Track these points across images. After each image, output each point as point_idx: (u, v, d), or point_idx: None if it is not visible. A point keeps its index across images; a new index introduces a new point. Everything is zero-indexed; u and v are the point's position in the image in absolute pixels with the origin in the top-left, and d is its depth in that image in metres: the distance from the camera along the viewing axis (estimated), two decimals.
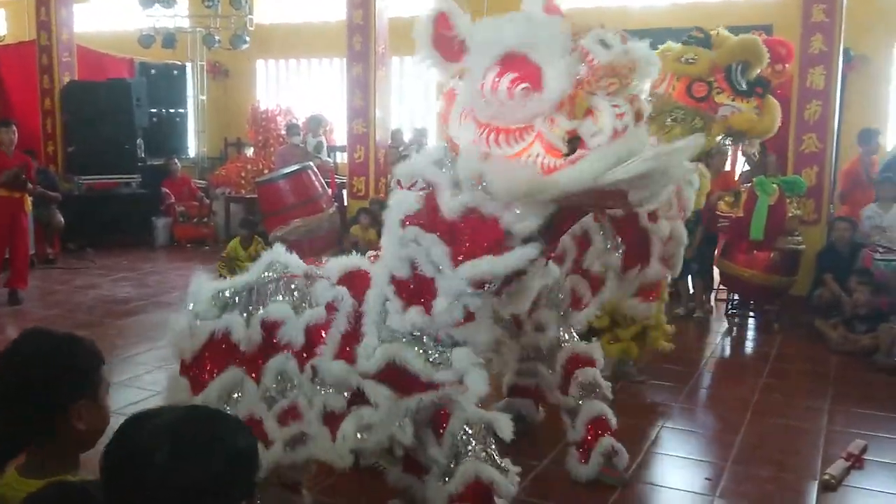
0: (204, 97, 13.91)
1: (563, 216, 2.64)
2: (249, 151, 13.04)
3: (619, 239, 4.31)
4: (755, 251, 7.01)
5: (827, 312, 6.89)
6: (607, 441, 4.00)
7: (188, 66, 13.66)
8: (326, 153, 11.22)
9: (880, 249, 6.94)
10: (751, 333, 7.32)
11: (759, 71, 5.06)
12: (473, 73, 2.49)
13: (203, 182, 12.68)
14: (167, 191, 11.70)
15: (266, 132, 12.37)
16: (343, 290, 2.85)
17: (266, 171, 10.76)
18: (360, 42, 9.48)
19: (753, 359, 6.52)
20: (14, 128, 7.95)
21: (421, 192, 2.75)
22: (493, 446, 2.84)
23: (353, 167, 9.86)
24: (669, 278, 5.08)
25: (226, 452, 1.33)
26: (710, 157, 5.43)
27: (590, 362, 4.06)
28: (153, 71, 13.04)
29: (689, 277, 7.52)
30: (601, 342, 4.99)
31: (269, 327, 2.89)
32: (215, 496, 1.32)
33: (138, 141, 11.80)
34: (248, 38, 12.33)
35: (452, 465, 2.78)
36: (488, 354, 2.97)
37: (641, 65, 2.41)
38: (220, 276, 8.29)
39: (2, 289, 7.94)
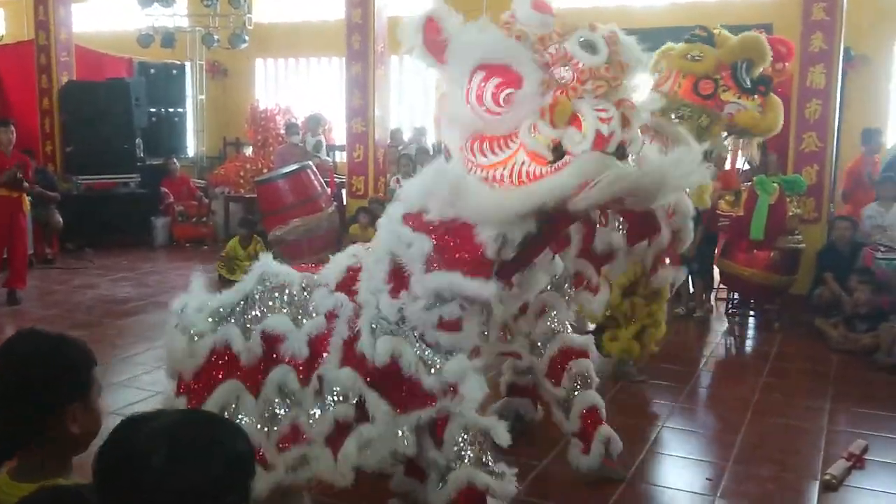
0: (203, 96, 13.89)
1: (557, 220, 2.63)
2: (248, 151, 13.03)
3: (621, 217, 4.27)
4: (755, 250, 6.99)
5: (827, 311, 6.87)
6: (605, 430, 4.00)
7: (187, 65, 13.64)
8: (325, 152, 11.21)
9: (882, 248, 6.93)
10: (751, 333, 7.31)
11: (762, 69, 5.06)
12: (455, 80, 2.48)
13: (202, 181, 12.66)
14: (166, 190, 11.68)
15: (265, 131, 12.35)
16: (342, 296, 2.82)
17: (265, 171, 10.75)
18: (359, 41, 9.46)
19: (754, 358, 6.51)
20: (12, 127, 7.93)
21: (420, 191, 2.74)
22: (489, 452, 2.82)
23: (352, 166, 9.84)
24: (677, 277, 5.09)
25: (224, 456, 1.32)
26: (710, 156, 5.42)
27: (583, 354, 4.02)
28: (152, 70, 13.02)
29: (690, 277, 7.50)
30: (602, 341, 4.98)
31: (269, 340, 2.85)
32: (212, 500, 1.30)
33: (137, 140, 11.77)
34: (247, 38, 12.31)
35: (449, 470, 2.77)
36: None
37: (632, 66, 2.40)
38: (220, 275, 8.34)
39: (0, 289, 7.91)
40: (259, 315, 2.89)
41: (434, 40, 2.52)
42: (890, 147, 8.94)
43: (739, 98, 4.89)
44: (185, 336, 2.90)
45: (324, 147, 11.16)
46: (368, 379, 2.72)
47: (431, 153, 9.76)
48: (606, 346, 5.45)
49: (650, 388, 5.54)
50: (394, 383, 2.72)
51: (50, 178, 9.96)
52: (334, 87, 12.96)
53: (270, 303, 2.90)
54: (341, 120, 10.45)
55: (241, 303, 2.92)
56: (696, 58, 4.97)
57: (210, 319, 2.91)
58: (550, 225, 2.64)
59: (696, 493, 4.06)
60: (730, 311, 7.51)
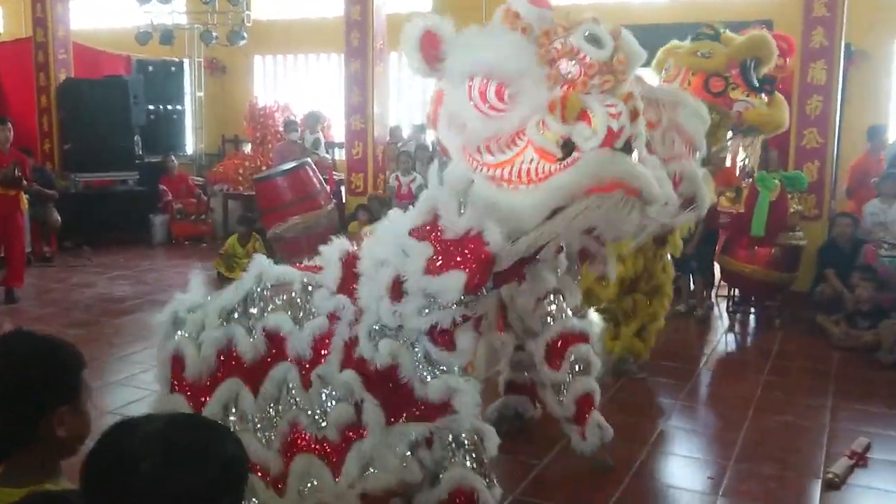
0: (201, 94, 13.85)
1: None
2: (247, 148, 13.00)
3: None
4: (756, 247, 6.96)
5: (829, 308, 6.84)
6: (597, 416, 4.02)
7: (185, 62, 13.61)
8: (324, 149, 11.18)
9: (885, 245, 6.90)
10: (752, 330, 7.29)
11: (768, 68, 5.06)
12: (455, 79, 2.45)
13: (201, 179, 12.64)
14: (164, 188, 11.65)
15: (264, 129, 12.33)
16: (345, 299, 2.80)
17: (264, 168, 10.73)
18: (358, 38, 9.43)
19: (755, 356, 6.48)
20: (9, 125, 7.90)
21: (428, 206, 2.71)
22: (482, 453, 2.79)
23: (351, 163, 9.81)
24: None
25: (216, 459, 1.29)
26: (711, 155, 5.40)
27: (583, 338, 4.02)
28: (150, 68, 12.97)
29: (690, 274, 7.47)
30: (604, 340, 4.96)
31: (271, 338, 2.83)
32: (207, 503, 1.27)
33: (135, 138, 11.73)
34: (245, 35, 12.26)
35: (441, 470, 2.74)
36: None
37: (634, 59, 2.37)
38: (218, 273, 8.32)
39: None
40: (260, 314, 2.86)
41: (432, 49, 2.51)
42: (891, 143, 8.92)
43: (748, 96, 4.89)
44: (192, 342, 2.87)
45: (322, 144, 11.13)
46: (367, 382, 2.70)
47: (431, 150, 9.74)
48: (608, 345, 5.44)
49: (651, 385, 5.51)
50: (390, 389, 2.70)
51: (48, 176, 9.92)
52: (333, 84, 12.90)
53: (272, 302, 2.87)
54: (340, 117, 10.42)
55: (244, 302, 2.90)
56: (707, 55, 4.95)
57: (218, 319, 2.88)
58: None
59: (697, 491, 4.04)
60: (731, 309, 7.48)
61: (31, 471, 1.68)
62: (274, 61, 14.17)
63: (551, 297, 3.94)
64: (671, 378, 5.64)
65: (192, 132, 13.97)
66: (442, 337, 2.66)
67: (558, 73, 2.33)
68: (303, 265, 3.09)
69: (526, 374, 4.39)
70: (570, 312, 4.08)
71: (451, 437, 2.71)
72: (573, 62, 2.32)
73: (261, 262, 3.00)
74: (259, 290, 2.90)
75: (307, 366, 2.77)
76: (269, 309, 2.85)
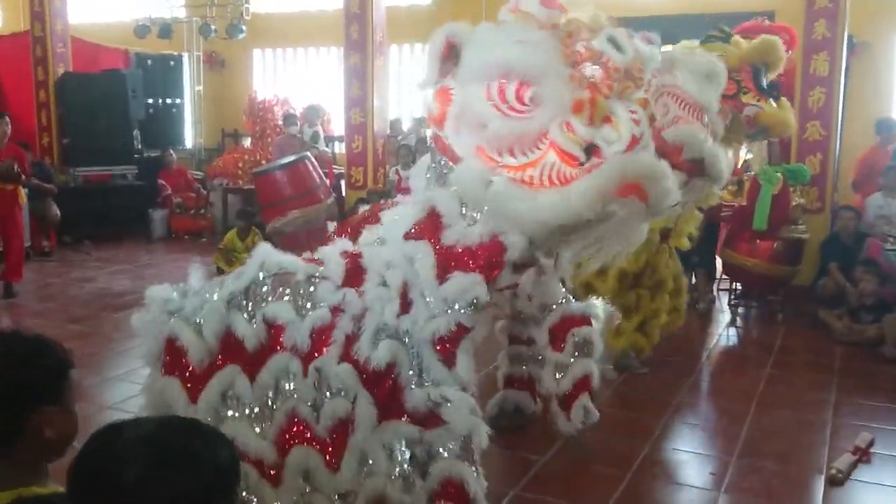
0: (200, 88, 13.80)
1: None
2: (247, 142, 12.96)
3: None
4: (758, 240, 6.92)
5: (831, 303, 6.81)
6: (585, 399, 4.01)
7: (184, 56, 13.56)
8: (324, 143, 11.14)
9: (891, 239, 6.85)
10: (754, 324, 7.25)
11: (777, 73, 5.06)
12: (474, 79, 2.42)
13: (200, 173, 12.60)
14: (163, 182, 11.62)
15: (263, 122, 12.28)
16: (351, 292, 2.78)
17: (263, 162, 10.68)
18: (358, 31, 9.38)
19: (757, 350, 6.43)
20: (7, 120, 7.85)
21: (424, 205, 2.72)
22: (472, 448, 2.77)
23: (350, 157, 9.77)
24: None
25: (210, 464, 1.26)
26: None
27: (586, 321, 4.01)
28: (149, 62, 12.94)
29: (692, 268, 7.43)
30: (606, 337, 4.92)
31: (271, 327, 2.82)
32: None
33: (135, 132, 11.70)
34: (244, 28, 12.22)
35: (430, 461, 2.73)
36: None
37: (650, 65, 2.36)
38: (218, 267, 8.28)
39: None
40: (262, 301, 2.86)
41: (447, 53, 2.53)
42: None
43: (758, 100, 4.87)
44: (189, 326, 2.84)
45: (322, 138, 11.08)
46: (364, 378, 2.68)
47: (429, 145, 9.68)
48: (611, 342, 5.41)
49: (652, 380, 5.47)
50: (385, 389, 2.68)
51: (46, 171, 9.90)
52: (333, 78, 12.85)
53: (273, 291, 2.86)
54: (340, 110, 10.37)
55: (247, 289, 2.87)
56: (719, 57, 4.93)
57: (224, 306, 2.87)
58: None
59: (700, 487, 4.00)
60: (732, 303, 7.44)
61: (18, 473, 1.64)
62: (273, 55, 14.11)
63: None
64: (673, 372, 5.61)
65: (192, 126, 13.93)
66: (443, 346, 2.65)
67: (582, 76, 2.30)
68: (305, 258, 3.08)
69: (525, 367, 4.36)
70: (570, 297, 4.07)
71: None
72: (596, 66, 2.29)
73: (264, 250, 2.98)
74: (261, 277, 2.89)
75: (306, 357, 2.76)
76: (270, 297, 2.84)
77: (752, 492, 3.93)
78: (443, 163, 2.71)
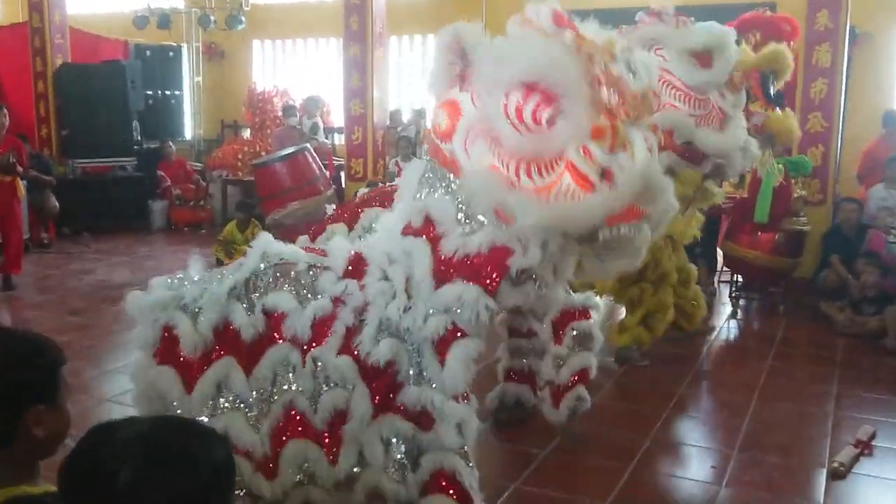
0: (200, 79, 13.74)
1: None
2: (246, 133, 12.92)
3: None
4: (759, 232, 6.89)
5: (832, 295, 6.79)
6: (581, 390, 4.03)
7: (183, 47, 13.49)
8: (323, 134, 11.10)
9: (893, 231, 6.83)
10: (755, 316, 7.23)
11: (783, 81, 5.08)
12: (491, 93, 2.39)
13: (199, 165, 12.57)
14: (163, 174, 11.58)
15: (263, 114, 12.24)
16: (352, 283, 2.77)
17: (263, 154, 10.64)
18: (357, 21, 9.34)
19: (758, 342, 6.42)
20: (6, 111, 7.81)
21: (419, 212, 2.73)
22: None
23: (350, 149, 9.74)
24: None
25: (205, 464, 1.24)
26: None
27: (585, 314, 4.03)
28: (148, 53, 12.87)
29: (693, 260, 7.41)
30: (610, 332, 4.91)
31: (270, 318, 2.80)
32: None
33: (134, 124, 11.66)
34: (243, 19, 12.16)
35: (421, 454, 2.73)
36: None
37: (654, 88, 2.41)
38: (218, 259, 8.26)
39: None
40: (262, 291, 2.84)
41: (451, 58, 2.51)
42: None
43: (766, 109, 4.88)
44: (186, 315, 2.82)
45: (321, 129, 11.04)
46: (363, 371, 2.67)
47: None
48: (615, 337, 5.41)
49: (653, 372, 5.46)
50: (383, 383, 2.67)
51: (45, 163, 9.86)
52: (332, 69, 12.80)
53: (275, 280, 2.85)
54: (339, 102, 10.33)
55: (248, 280, 2.86)
56: None
57: (225, 296, 2.84)
58: None
59: (701, 481, 3.99)
60: (733, 295, 7.41)
61: (8, 472, 1.62)
62: (273, 46, 14.04)
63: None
64: (674, 365, 5.59)
65: (191, 118, 13.88)
66: (441, 346, 2.64)
67: (601, 101, 2.28)
68: (306, 248, 3.07)
69: (525, 360, 4.34)
70: (570, 290, 4.06)
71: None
72: (613, 90, 2.28)
73: (265, 241, 2.97)
74: (263, 268, 2.87)
75: (306, 348, 2.74)
76: (271, 287, 2.82)
77: (754, 485, 3.91)
78: (440, 175, 2.68)
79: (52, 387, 1.65)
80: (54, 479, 1.31)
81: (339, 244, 3.02)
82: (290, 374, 2.75)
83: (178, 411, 2.73)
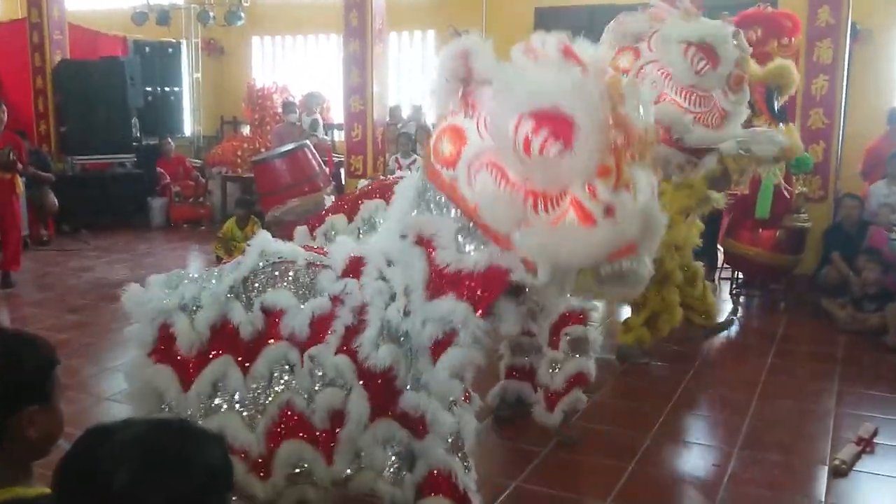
0: (199, 75, 13.71)
1: None
2: (246, 130, 12.89)
3: None
4: (760, 229, 6.88)
5: (834, 292, 6.77)
6: (576, 394, 4.03)
7: (183, 43, 13.46)
8: (323, 131, 11.07)
9: (894, 228, 6.80)
10: (756, 313, 7.21)
11: (788, 96, 5.08)
12: (499, 121, 2.36)
13: (199, 161, 12.55)
14: (162, 171, 11.56)
15: (262, 110, 12.21)
16: (351, 282, 2.75)
17: (262, 150, 10.62)
18: (357, 18, 9.31)
19: (759, 339, 6.40)
20: (4, 107, 7.79)
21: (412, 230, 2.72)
22: (461, 441, 2.74)
23: (350, 145, 9.71)
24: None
25: (202, 466, 1.23)
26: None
27: (580, 319, 4.01)
28: (147, 49, 12.84)
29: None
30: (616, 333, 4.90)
31: (269, 316, 2.78)
32: None
33: (133, 120, 11.62)
34: (243, 15, 12.14)
35: (415, 455, 2.71)
36: None
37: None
38: (217, 256, 8.24)
39: None
40: (260, 289, 2.82)
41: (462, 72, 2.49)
42: None
43: (770, 124, 4.87)
44: (184, 313, 2.80)
45: (321, 126, 11.02)
46: (360, 372, 2.65)
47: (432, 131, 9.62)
48: (620, 337, 5.41)
49: (654, 370, 5.45)
50: (380, 386, 2.66)
51: (44, 159, 9.84)
52: (332, 65, 12.77)
53: (273, 278, 2.83)
54: (339, 98, 10.31)
55: (246, 279, 2.84)
56: None
57: (224, 295, 2.82)
58: None
59: (702, 479, 3.98)
60: (734, 292, 7.40)
61: (0, 473, 1.60)
62: (272, 42, 14.01)
63: None
64: (674, 362, 5.58)
65: (190, 114, 13.85)
66: (436, 352, 2.62)
67: (609, 140, 2.27)
68: (305, 246, 3.05)
69: (526, 358, 4.33)
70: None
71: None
72: (620, 132, 2.27)
73: (263, 239, 2.95)
74: (261, 266, 2.85)
75: (304, 347, 2.72)
76: (269, 286, 2.80)
77: (755, 483, 3.90)
78: (437, 198, 2.65)
79: (45, 387, 1.63)
80: (49, 480, 1.29)
81: (341, 243, 3.00)
82: (287, 374, 2.73)
83: (175, 410, 2.71)
